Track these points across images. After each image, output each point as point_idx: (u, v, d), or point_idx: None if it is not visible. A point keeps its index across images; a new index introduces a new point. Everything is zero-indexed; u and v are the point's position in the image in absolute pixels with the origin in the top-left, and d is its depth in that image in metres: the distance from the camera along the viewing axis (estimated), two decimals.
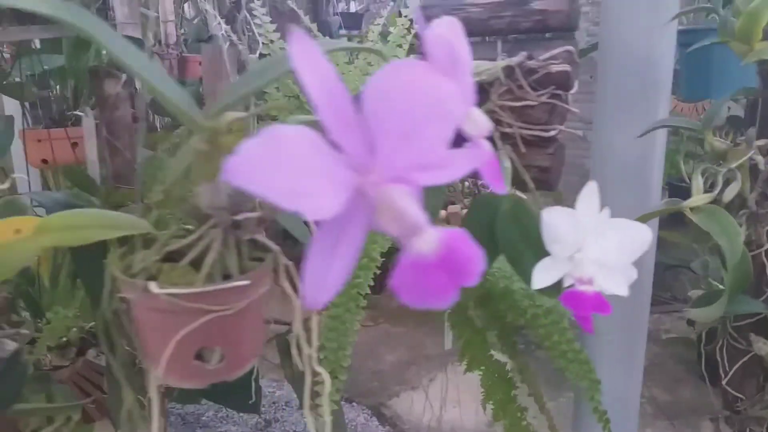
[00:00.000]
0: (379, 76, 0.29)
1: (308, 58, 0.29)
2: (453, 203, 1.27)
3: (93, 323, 1.03)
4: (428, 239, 0.29)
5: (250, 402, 1.04)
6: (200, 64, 2.02)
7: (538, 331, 1.02)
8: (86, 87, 1.66)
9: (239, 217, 0.46)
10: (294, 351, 0.61)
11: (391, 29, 1.54)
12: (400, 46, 1.44)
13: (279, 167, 0.27)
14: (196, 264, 0.49)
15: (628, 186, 1.00)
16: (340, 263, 0.31)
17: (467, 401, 2.06)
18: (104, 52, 1.57)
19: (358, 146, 0.30)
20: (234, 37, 1.25)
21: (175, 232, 0.50)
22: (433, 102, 0.29)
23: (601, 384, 1.01)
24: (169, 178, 0.45)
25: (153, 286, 0.45)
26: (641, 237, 0.56)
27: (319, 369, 0.56)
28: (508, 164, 0.65)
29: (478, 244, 0.45)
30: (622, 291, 0.56)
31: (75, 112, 1.64)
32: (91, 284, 0.84)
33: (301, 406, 1.22)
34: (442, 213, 1.24)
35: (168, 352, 0.48)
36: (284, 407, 2.14)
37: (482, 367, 1.15)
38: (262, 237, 0.51)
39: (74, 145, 1.61)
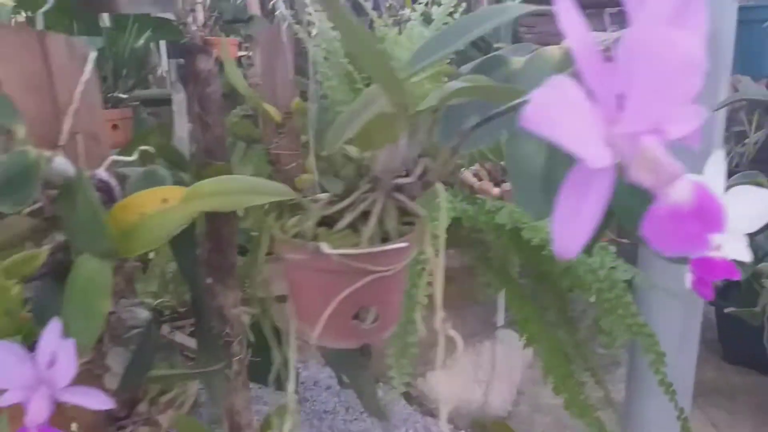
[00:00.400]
0: (633, 32, 0.30)
1: (570, 14, 0.30)
2: (504, 181, 1.29)
3: (160, 300, 1.04)
4: (683, 188, 0.31)
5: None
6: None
7: (602, 305, 1.04)
8: (126, 68, 1.66)
9: (404, 180, 0.47)
10: (418, 316, 0.62)
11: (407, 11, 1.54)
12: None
13: (565, 113, 0.28)
14: (351, 227, 0.51)
15: (690, 165, 1.01)
16: (589, 213, 0.32)
17: (492, 381, 2.08)
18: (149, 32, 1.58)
19: (610, 99, 0.31)
20: (290, 17, 1.25)
21: (330, 198, 0.51)
22: (687, 58, 0.30)
23: (665, 356, 1.03)
24: (333, 144, 0.46)
25: (325, 247, 0.46)
26: (766, 204, 0.58)
27: (452, 332, 0.57)
28: None
29: None
30: (746, 257, 0.58)
31: (115, 94, 1.63)
32: (182, 256, 0.85)
33: (340, 383, 1.23)
34: (496, 191, 1.25)
35: (328, 311, 0.49)
36: (312, 387, 2.16)
37: (542, 342, 1.17)
38: (411, 202, 0.52)
39: (114, 127, 1.60)
